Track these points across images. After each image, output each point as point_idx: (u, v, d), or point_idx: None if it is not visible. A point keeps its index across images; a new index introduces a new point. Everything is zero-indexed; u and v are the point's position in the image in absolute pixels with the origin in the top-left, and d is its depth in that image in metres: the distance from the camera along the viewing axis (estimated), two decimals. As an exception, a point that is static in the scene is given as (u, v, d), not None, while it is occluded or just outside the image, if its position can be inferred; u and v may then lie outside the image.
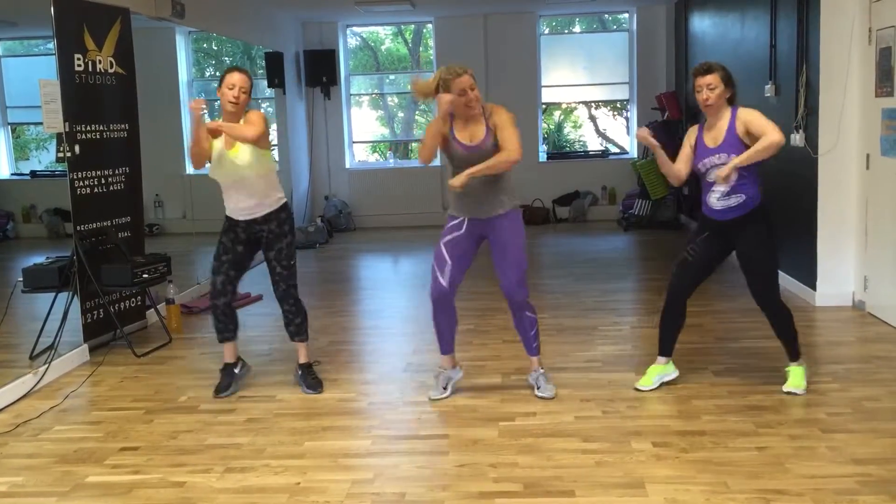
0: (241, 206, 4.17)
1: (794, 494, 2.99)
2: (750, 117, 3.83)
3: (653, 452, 3.40)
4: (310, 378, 4.36)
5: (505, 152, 3.84)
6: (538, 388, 4.17)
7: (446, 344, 4.21)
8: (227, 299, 4.23)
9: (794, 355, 4.08)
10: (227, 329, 4.32)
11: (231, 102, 4.03)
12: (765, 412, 3.81)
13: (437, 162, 10.66)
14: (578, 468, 3.28)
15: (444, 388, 4.19)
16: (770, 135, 3.72)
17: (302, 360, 4.39)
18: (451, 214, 4.10)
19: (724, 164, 3.82)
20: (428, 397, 4.18)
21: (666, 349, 4.20)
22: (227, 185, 4.18)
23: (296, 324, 4.34)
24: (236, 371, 4.39)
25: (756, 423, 3.66)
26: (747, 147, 3.81)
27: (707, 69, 3.88)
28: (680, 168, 4.04)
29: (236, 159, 4.08)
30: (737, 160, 3.77)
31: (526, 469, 3.29)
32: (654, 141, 3.93)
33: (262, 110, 11.05)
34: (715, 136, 3.91)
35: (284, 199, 4.28)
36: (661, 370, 4.19)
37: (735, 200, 3.88)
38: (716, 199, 3.90)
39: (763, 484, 3.08)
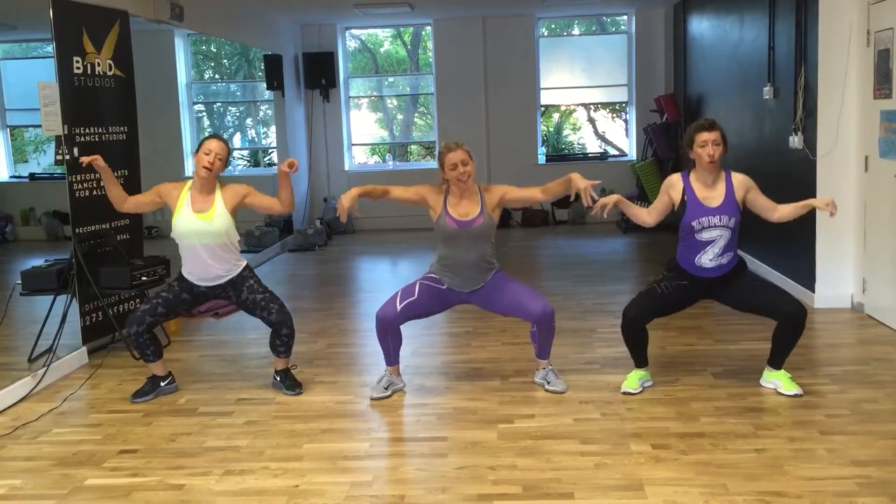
0: (208, 275, 4.17)
1: (794, 496, 2.99)
2: (755, 194, 3.96)
3: (652, 454, 3.40)
4: (289, 380, 4.36)
5: (539, 194, 4.10)
6: (549, 384, 4.21)
7: (393, 357, 4.28)
8: (139, 329, 4.18)
9: (782, 363, 4.11)
10: (146, 354, 4.29)
11: (206, 168, 4.04)
12: (763, 414, 3.81)
13: (432, 163, 10.68)
14: (577, 470, 3.28)
15: (385, 389, 4.23)
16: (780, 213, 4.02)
17: (280, 367, 4.39)
18: (435, 276, 4.20)
19: (725, 225, 3.88)
20: (369, 397, 4.21)
21: (641, 363, 4.21)
22: (192, 248, 4.13)
23: (288, 345, 4.33)
24: (162, 385, 4.37)
25: (755, 426, 3.66)
26: (740, 210, 3.93)
27: (712, 125, 3.89)
28: (646, 219, 4.09)
29: (211, 226, 4.09)
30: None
31: (525, 471, 3.29)
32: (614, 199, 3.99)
33: (258, 122, 11.08)
34: (713, 195, 3.93)
35: (245, 262, 4.28)
36: (642, 375, 4.21)
37: (727, 258, 3.95)
38: (709, 259, 3.94)
39: (762, 486, 3.08)
